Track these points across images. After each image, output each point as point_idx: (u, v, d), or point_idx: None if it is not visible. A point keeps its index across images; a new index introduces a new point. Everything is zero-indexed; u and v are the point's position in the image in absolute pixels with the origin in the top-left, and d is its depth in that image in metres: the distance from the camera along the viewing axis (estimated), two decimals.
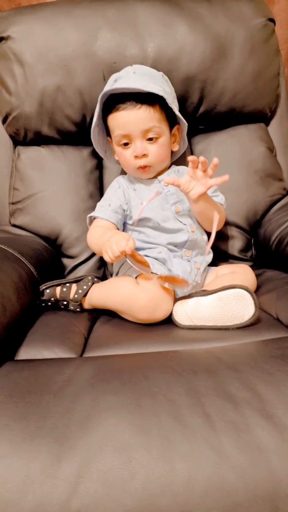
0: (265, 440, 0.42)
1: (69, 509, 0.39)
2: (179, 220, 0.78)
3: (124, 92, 0.74)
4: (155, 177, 0.82)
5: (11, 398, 0.48)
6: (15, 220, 0.93)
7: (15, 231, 0.91)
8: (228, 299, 0.63)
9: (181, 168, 0.85)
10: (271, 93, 0.94)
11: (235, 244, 0.93)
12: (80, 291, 0.74)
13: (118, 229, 0.78)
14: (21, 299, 0.65)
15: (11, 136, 0.95)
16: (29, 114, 0.90)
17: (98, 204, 0.83)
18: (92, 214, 0.80)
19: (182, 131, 0.83)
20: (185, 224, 0.78)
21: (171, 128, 0.80)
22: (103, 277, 0.89)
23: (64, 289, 0.75)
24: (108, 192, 0.84)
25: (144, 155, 0.76)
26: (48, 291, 0.75)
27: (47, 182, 0.92)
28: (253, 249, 0.95)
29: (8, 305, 0.60)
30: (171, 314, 0.67)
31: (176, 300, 0.68)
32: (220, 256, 0.92)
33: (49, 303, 0.75)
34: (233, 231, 0.93)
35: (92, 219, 0.81)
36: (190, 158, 0.68)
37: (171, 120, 0.79)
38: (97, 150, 0.85)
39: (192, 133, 0.94)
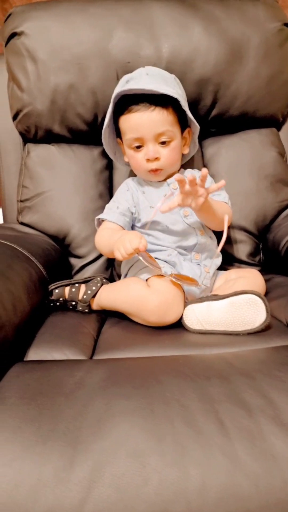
0: (279, 448, 0.42)
1: None
2: (188, 223, 0.78)
3: (137, 93, 0.73)
4: (164, 180, 0.81)
5: (22, 399, 0.47)
6: (23, 218, 0.93)
7: (23, 229, 0.91)
8: (240, 304, 0.63)
9: (189, 171, 0.85)
10: (284, 98, 0.93)
11: (244, 249, 0.93)
12: (89, 292, 0.74)
13: None
14: (31, 299, 0.65)
15: (21, 133, 0.95)
16: (41, 112, 0.89)
17: (107, 206, 0.82)
18: (100, 216, 0.80)
19: (193, 134, 0.83)
20: (193, 228, 0.78)
21: (182, 131, 0.80)
22: (111, 278, 0.89)
23: (73, 290, 0.75)
24: (117, 195, 0.84)
25: (156, 159, 0.75)
26: (57, 291, 0.74)
27: (57, 180, 0.91)
28: (261, 254, 0.95)
29: (19, 305, 0.60)
30: (181, 318, 0.67)
31: (186, 304, 0.68)
32: (228, 260, 0.91)
33: (58, 303, 0.75)
34: (241, 235, 0.93)
35: (100, 221, 0.81)
36: (176, 178, 0.65)
37: (182, 123, 0.79)
38: (107, 151, 0.84)
39: (203, 136, 0.94)
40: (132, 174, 0.93)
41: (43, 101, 0.88)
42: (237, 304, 0.63)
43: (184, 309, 0.67)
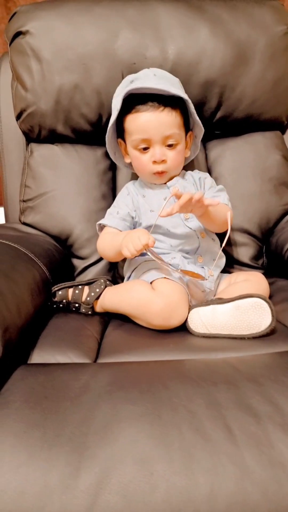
0: (287, 456, 0.42)
1: None
2: (188, 226, 0.77)
3: (143, 93, 0.72)
4: (165, 183, 0.81)
5: (27, 404, 0.47)
6: (26, 218, 0.92)
7: (25, 229, 0.90)
8: (245, 308, 0.62)
9: (189, 173, 0.84)
10: None
11: (247, 252, 0.92)
12: (92, 294, 0.73)
13: None
14: (35, 301, 0.64)
15: (24, 133, 0.94)
16: (45, 112, 0.88)
17: (108, 211, 0.82)
18: (101, 221, 0.80)
19: (195, 137, 0.83)
20: (194, 231, 0.77)
21: (185, 134, 0.79)
22: (113, 280, 0.88)
23: (77, 291, 0.74)
24: (118, 199, 0.84)
25: (163, 161, 0.75)
26: (60, 292, 0.74)
27: (60, 181, 0.91)
28: (264, 257, 0.95)
29: (23, 307, 0.59)
30: (185, 321, 0.66)
31: (191, 307, 0.68)
32: (231, 263, 0.91)
33: (61, 305, 0.74)
34: (245, 238, 0.92)
35: (101, 227, 0.80)
36: (173, 192, 0.66)
37: (186, 126, 0.79)
38: (108, 151, 0.83)
39: (207, 138, 0.94)
40: (134, 176, 0.92)
41: (47, 101, 0.87)
42: (242, 308, 0.62)
43: (188, 312, 0.66)
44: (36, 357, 0.59)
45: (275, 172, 0.93)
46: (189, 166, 0.89)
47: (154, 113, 0.72)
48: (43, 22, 0.86)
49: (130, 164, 0.85)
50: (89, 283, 0.77)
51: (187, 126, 0.80)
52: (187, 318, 0.66)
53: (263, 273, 0.84)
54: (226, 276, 0.81)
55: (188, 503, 0.39)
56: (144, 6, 0.87)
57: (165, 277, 0.68)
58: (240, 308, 0.62)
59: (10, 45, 0.90)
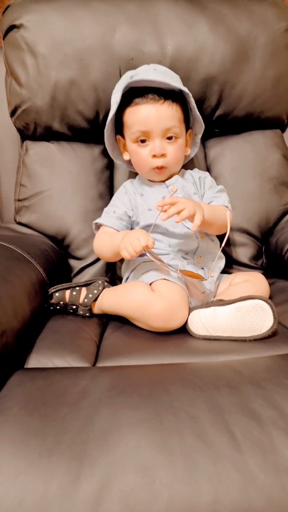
0: None
1: None
2: (187, 226, 0.76)
3: (144, 86, 0.71)
4: (163, 181, 0.80)
5: (25, 410, 0.45)
6: (21, 218, 0.90)
7: (20, 229, 0.88)
8: (247, 309, 0.61)
9: (188, 172, 0.83)
10: None
11: (246, 252, 0.92)
12: (90, 295, 0.72)
13: None
14: (32, 303, 0.62)
15: (19, 130, 0.92)
16: (40, 108, 0.86)
17: (104, 210, 0.81)
18: (97, 221, 0.79)
19: (195, 135, 0.82)
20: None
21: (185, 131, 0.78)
22: (111, 281, 0.87)
23: (74, 293, 0.73)
24: (115, 198, 0.82)
25: (163, 155, 0.73)
26: (57, 294, 0.72)
27: (56, 179, 0.89)
28: (263, 257, 0.94)
29: (19, 310, 0.58)
30: (185, 323, 0.65)
31: (191, 309, 0.67)
32: (231, 263, 0.90)
33: (58, 307, 0.73)
34: (244, 238, 0.91)
35: (98, 226, 0.79)
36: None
37: (186, 124, 0.78)
38: (107, 147, 0.82)
39: (206, 136, 0.93)
40: (132, 175, 0.91)
41: (43, 97, 0.85)
42: (243, 310, 0.62)
43: (189, 314, 0.65)
44: (33, 361, 0.57)
45: (275, 172, 0.92)
46: (188, 164, 0.88)
47: (154, 106, 0.71)
48: (38, 16, 0.84)
49: (128, 162, 0.83)
50: (86, 284, 0.76)
51: (187, 124, 0.79)
52: (187, 320, 0.65)
53: (263, 274, 0.83)
54: (226, 276, 0.80)
55: (191, 511, 0.38)
56: (143, 1, 0.85)
57: (164, 278, 0.66)
58: (241, 310, 0.61)
59: (3, 39, 0.87)
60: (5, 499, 0.38)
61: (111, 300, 0.71)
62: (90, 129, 0.90)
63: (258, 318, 0.61)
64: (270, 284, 0.81)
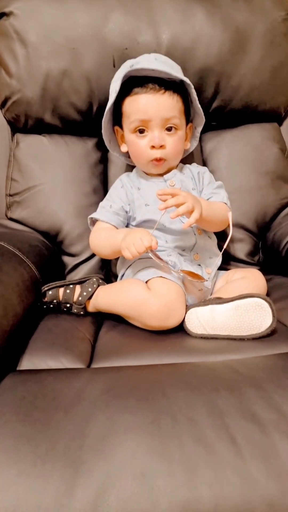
0: None
1: None
2: (184, 222, 0.74)
3: (144, 75, 0.69)
4: (161, 175, 0.77)
5: (17, 415, 0.44)
6: (12, 214, 0.87)
7: (12, 225, 0.85)
8: (245, 308, 0.60)
9: (187, 167, 0.81)
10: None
11: (243, 247, 0.90)
12: (84, 293, 0.70)
13: None
14: (24, 302, 0.60)
15: (9, 122, 0.89)
16: (31, 99, 0.83)
17: (100, 204, 0.78)
18: (93, 215, 0.76)
19: (194, 128, 0.80)
20: (191, 227, 0.74)
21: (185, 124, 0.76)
22: (106, 278, 0.85)
23: (68, 291, 0.70)
24: (111, 192, 0.80)
25: (162, 147, 0.71)
26: (50, 292, 0.70)
27: (48, 174, 0.86)
28: (260, 253, 0.92)
29: (10, 309, 0.56)
30: (182, 322, 0.64)
31: (188, 307, 0.65)
32: (227, 259, 0.89)
33: (51, 306, 0.71)
34: (240, 234, 0.90)
35: (93, 221, 0.77)
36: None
37: (186, 117, 0.76)
38: (104, 138, 0.79)
39: (202, 130, 0.88)
40: (128, 168, 0.88)
41: (33, 88, 0.83)
42: (242, 308, 0.60)
43: (186, 312, 0.64)
44: (26, 363, 0.55)
45: (272, 166, 0.90)
46: (185, 159, 0.85)
47: (155, 96, 0.69)
48: (28, 3, 0.81)
49: (126, 154, 0.81)
50: (80, 282, 0.74)
51: (187, 117, 0.77)
52: (184, 318, 0.64)
53: (259, 270, 0.82)
54: (222, 273, 0.78)
55: None
56: None
57: (161, 276, 0.65)
58: (239, 308, 0.60)
59: None
60: None
61: (106, 298, 0.69)
62: (83, 121, 0.87)
63: (257, 316, 0.60)
64: (267, 281, 0.79)
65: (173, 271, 0.66)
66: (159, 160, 0.73)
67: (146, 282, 0.65)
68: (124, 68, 0.73)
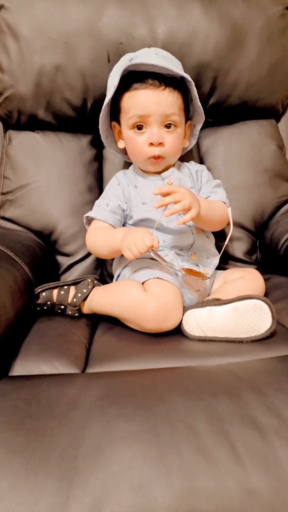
0: None
1: None
2: None
3: (143, 71, 0.67)
4: (159, 173, 0.76)
5: (10, 425, 0.42)
6: (5, 213, 0.85)
7: (4, 224, 0.83)
8: (244, 310, 0.59)
9: (185, 164, 0.80)
10: (285, 88, 0.89)
11: (240, 246, 0.89)
12: (79, 294, 0.68)
13: None
14: (16, 305, 0.58)
15: (2, 118, 0.87)
16: (24, 95, 0.81)
17: (96, 202, 0.76)
18: (89, 214, 0.74)
19: (193, 126, 0.78)
20: (189, 226, 0.73)
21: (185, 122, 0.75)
22: (101, 278, 0.83)
23: (62, 292, 0.69)
24: (107, 190, 0.77)
25: (160, 144, 0.69)
26: (44, 294, 0.68)
27: (42, 171, 0.84)
28: (258, 252, 0.91)
29: (2, 312, 0.54)
30: (180, 324, 0.62)
31: (185, 308, 0.64)
32: (224, 258, 0.87)
33: (45, 308, 0.69)
34: (238, 232, 0.88)
35: (89, 219, 0.75)
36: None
37: (185, 114, 0.74)
38: (101, 134, 0.76)
39: None
40: (124, 166, 0.86)
41: (26, 83, 0.80)
42: (241, 310, 0.59)
43: (183, 314, 0.62)
44: (19, 368, 0.54)
45: (270, 163, 0.89)
46: (182, 156, 0.84)
47: (154, 91, 0.67)
48: None
49: (123, 151, 0.79)
50: (75, 283, 0.72)
51: (187, 114, 0.75)
52: (181, 320, 0.62)
53: (257, 269, 0.80)
54: (220, 273, 0.77)
55: None
56: None
57: (158, 277, 0.63)
58: (238, 310, 0.59)
59: None
60: None
61: (101, 300, 0.67)
62: (78, 117, 0.85)
63: (256, 318, 0.58)
64: (265, 280, 0.78)
65: (175, 269, 0.65)
66: (157, 157, 0.71)
67: (143, 283, 0.64)
68: (123, 62, 0.71)
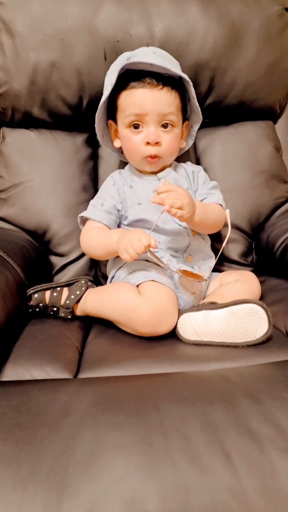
0: None
1: None
2: (178, 223, 0.71)
3: (141, 70, 0.66)
4: (155, 173, 0.74)
5: None
6: None
7: None
8: (240, 314, 0.58)
9: (181, 165, 0.78)
10: (283, 89, 0.88)
11: (236, 248, 0.88)
12: (72, 296, 0.67)
13: None
14: (7, 307, 0.57)
15: None
16: (18, 92, 0.80)
17: (91, 202, 0.75)
18: (83, 214, 0.73)
19: (191, 126, 0.77)
20: (185, 228, 0.72)
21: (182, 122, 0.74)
22: (95, 279, 0.82)
23: (55, 294, 0.67)
24: (102, 190, 0.76)
25: (157, 143, 0.68)
26: (36, 295, 0.67)
27: (36, 170, 0.82)
28: (253, 254, 0.90)
29: None
30: (175, 327, 0.61)
31: (180, 312, 0.62)
32: (220, 260, 0.86)
33: (37, 309, 0.67)
34: (234, 234, 0.87)
35: (83, 220, 0.73)
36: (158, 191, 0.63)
37: (183, 114, 0.73)
38: (97, 132, 0.75)
39: None
40: (119, 165, 0.85)
41: (21, 80, 0.79)
42: (237, 314, 0.58)
43: (178, 317, 0.61)
44: (9, 373, 0.52)
45: (266, 164, 0.88)
46: (178, 156, 0.83)
47: (152, 90, 0.66)
48: None
49: (119, 150, 0.77)
50: (68, 284, 0.71)
51: (184, 115, 0.74)
52: (176, 324, 0.61)
53: (252, 271, 0.80)
54: (216, 275, 0.76)
55: None
56: None
57: (153, 280, 0.62)
58: (234, 315, 0.58)
59: None
60: None
61: (95, 302, 0.66)
62: (73, 116, 0.83)
63: (252, 323, 0.57)
64: (261, 282, 0.77)
65: (172, 270, 0.64)
66: (153, 157, 0.70)
67: (138, 285, 0.63)
68: (121, 60, 0.70)
